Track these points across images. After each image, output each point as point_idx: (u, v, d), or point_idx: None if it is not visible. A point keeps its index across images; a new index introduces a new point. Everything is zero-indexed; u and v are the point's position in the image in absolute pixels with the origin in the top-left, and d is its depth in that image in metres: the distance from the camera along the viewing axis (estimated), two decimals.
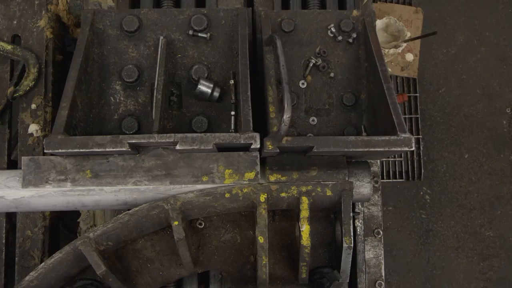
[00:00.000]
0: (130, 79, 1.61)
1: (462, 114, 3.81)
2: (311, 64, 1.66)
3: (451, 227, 3.68)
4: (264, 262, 1.48)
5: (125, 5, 1.89)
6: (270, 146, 1.38)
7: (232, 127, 1.58)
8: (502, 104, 3.83)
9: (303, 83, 1.67)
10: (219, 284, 1.79)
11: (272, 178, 1.51)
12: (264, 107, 1.59)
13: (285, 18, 1.68)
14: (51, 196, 1.46)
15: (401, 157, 3.39)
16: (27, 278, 1.43)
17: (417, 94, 3.40)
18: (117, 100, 1.63)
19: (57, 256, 1.44)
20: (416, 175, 3.40)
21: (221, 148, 1.46)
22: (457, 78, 3.88)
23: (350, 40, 1.68)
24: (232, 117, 1.58)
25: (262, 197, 1.48)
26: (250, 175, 1.46)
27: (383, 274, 2.09)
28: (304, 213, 1.48)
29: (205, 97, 1.59)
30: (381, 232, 2.12)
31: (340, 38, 1.68)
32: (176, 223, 1.44)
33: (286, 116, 1.27)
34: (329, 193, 1.50)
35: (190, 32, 1.63)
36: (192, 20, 1.63)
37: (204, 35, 1.64)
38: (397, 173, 3.38)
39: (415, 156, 3.40)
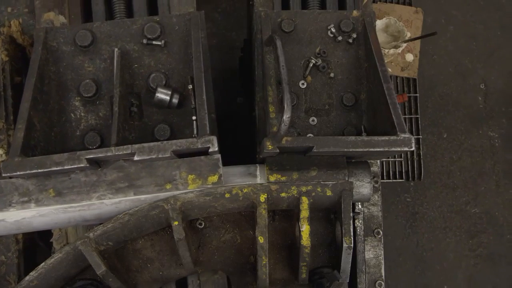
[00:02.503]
0: (89, 94, 1.60)
1: (437, 94, 3.81)
2: (311, 64, 1.66)
3: (436, 208, 3.70)
4: (264, 262, 1.48)
5: (78, 20, 1.86)
6: (270, 146, 1.38)
7: (195, 132, 1.56)
8: (476, 81, 3.83)
9: (303, 83, 1.67)
10: None
11: (272, 178, 1.51)
12: (264, 107, 1.59)
13: (285, 18, 1.68)
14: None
15: (401, 157, 3.39)
16: (27, 278, 1.43)
17: (417, 94, 3.40)
18: (78, 116, 1.62)
19: (57, 256, 1.44)
20: (416, 175, 3.40)
21: (184, 154, 1.46)
22: (428, 59, 3.87)
23: (350, 41, 1.68)
24: (194, 122, 1.56)
25: (262, 197, 1.48)
26: (213, 178, 1.46)
27: (383, 274, 2.09)
28: (304, 213, 1.48)
29: (164, 104, 1.57)
30: (381, 232, 2.12)
31: (340, 38, 1.68)
32: (176, 223, 1.44)
33: (286, 116, 1.27)
34: (329, 193, 1.50)
35: (144, 41, 1.62)
36: (145, 28, 1.62)
37: (159, 43, 1.63)
38: (397, 173, 3.38)
39: (415, 156, 3.40)
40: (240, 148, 3.54)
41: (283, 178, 1.51)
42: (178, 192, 1.45)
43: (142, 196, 1.45)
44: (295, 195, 1.50)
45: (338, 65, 1.69)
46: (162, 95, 1.56)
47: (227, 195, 1.49)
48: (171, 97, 1.57)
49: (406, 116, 3.39)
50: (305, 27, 1.69)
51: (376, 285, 2.07)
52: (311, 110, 1.66)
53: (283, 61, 1.37)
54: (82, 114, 1.62)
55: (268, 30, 1.64)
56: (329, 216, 1.63)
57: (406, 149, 1.40)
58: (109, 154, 1.36)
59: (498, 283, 3.62)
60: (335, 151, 1.42)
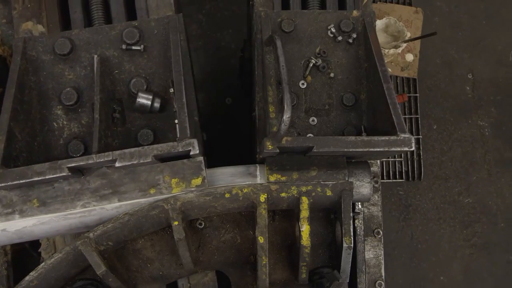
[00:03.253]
0: (70, 102, 1.59)
1: (425, 86, 3.80)
2: (311, 65, 1.66)
3: (430, 200, 3.70)
4: (264, 262, 1.48)
5: (56, 29, 1.84)
6: (270, 146, 1.38)
7: (178, 135, 1.55)
8: (463, 71, 3.82)
9: (303, 83, 1.67)
10: None
11: (272, 178, 1.51)
12: (264, 107, 1.59)
13: (285, 18, 1.68)
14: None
15: (401, 157, 3.39)
16: (27, 278, 1.43)
17: (417, 94, 3.40)
18: (61, 125, 1.61)
19: (57, 256, 1.44)
20: (416, 175, 3.40)
21: (167, 158, 1.46)
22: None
23: (350, 41, 1.68)
24: (177, 125, 1.55)
25: (262, 197, 1.48)
26: (197, 181, 1.47)
27: (383, 274, 2.09)
28: (304, 213, 1.48)
29: (146, 109, 1.57)
30: (381, 232, 2.12)
31: (340, 38, 1.68)
32: (176, 223, 1.44)
33: (286, 116, 1.27)
34: (329, 193, 1.50)
35: (124, 47, 1.62)
36: (124, 34, 1.62)
37: (138, 48, 1.63)
38: (397, 173, 3.38)
39: (415, 156, 3.40)
40: (230, 147, 3.58)
41: (283, 178, 1.51)
42: (162, 196, 1.46)
43: (126, 202, 1.45)
44: (295, 195, 1.50)
45: (338, 65, 1.69)
46: (144, 100, 1.56)
47: (227, 195, 1.49)
48: (153, 101, 1.56)
49: (406, 116, 3.39)
50: (305, 27, 1.69)
51: (376, 285, 2.07)
52: (311, 110, 1.66)
53: (283, 61, 1.37)
54: (65, 122, 1.61)
55: (268, 30, 1.64)
56: (329, 216, 1.63)
57: (406, 149, 1.40)
58: (90, 161, 1.36)
59: (494, 271, 3.63)
60: (335, 151, 1.42)
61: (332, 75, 1.68)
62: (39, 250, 2.01)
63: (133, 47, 1.63)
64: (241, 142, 3.55)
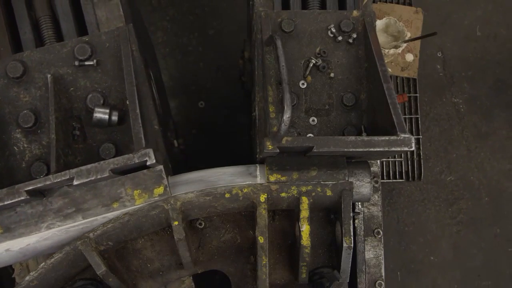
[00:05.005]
0: (28, 124, 1.57)
1: None
2: (311, 65, 1.66)
3: (412, 181, 3.71)
4: (264, 262, 1.48)
5: (8, 52, 1.80)
6: (270, 146, 1.38)
7: (134, 146, 1.54)
8: (432, 50, 3.82)
9: (303, 83, 1.67)
10: None
11: (272, 178, 1.51)
12: (264, 107, 1.59)
13: (285, 18, 1.68)
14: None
15: (401, 157, 3.39)
16: (27, 278, 1.44)
17: (417, 94, 3.40)
18: (21, 148, 1.59)
19: (57, 256, 1.44)
20: (416, 175, 3.40)
21: (128, 170, 1.46)
22: None
23: (350, 41, 1.68)
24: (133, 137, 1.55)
25: (262, 197, 1.48)
26: (159, 190, 1.47)
27: (383, 274, 2.09)
28: (304, 213, 1.48)
29: (104, 123, 1.55)
30: (381, 232, 2.12)
31: (340, 38, 1.68)
32: (176, 223, 1.44)
33: (286, 116, 1.27)
34: (329, 193, 1.50)
35: (76, 63, 1.61)
36: (76, 50, 1.60)
37: (91, 63, 1.61)
38: (397, 173, 3.38)
39: (415, 156, 3.40)
40: (208, 150, 3.60)
41: (283, 178, 1.51)
42: (126, 209, 1.46)
43: (91, 219, 1.46)
44: (295, 195, 1.50)
45: (338, 65, 1.69)
46: (100, 114, 1.54)
47: (227, 195, 1.49)
48: (110, 115, 1.54)
49: (406, 116, 3.39)
50: (305, 27, 1.69)
51: (376, 285, 2.07)
52: (311, 110, 1.66)
53: (283, 61, 1.37)
54: (25, 145, 1.59)
55: (268, 30, 1.64)
56: (329, 216, 1.63)
57: (406, 149, 1.40)
58: (47, 182, 1.35)
59: (483, 246, 3.65)
60: (335, 151, 1.42)
61: (332, 75, 1.68)
62: (13, 276, 2.00)
63: (86, 63, 1.61)
64: (218, 143, 3.59)
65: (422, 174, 3.39)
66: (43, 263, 1.44)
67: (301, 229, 1.47)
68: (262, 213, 1.47)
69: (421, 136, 3.41)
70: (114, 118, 1.55)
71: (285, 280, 1.62)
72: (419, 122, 3.40)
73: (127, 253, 1.57)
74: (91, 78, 1.62)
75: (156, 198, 1.47)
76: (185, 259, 1.51)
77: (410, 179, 3.40)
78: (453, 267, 3.63)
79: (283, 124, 1.28)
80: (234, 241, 1.62)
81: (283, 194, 1.50)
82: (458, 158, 3.74)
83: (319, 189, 1.50)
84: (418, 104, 3.40)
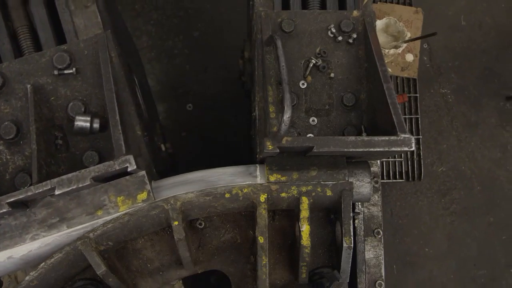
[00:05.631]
0: (10, 135, 1.57)
1: None
2: (311, 65, 1.66)
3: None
4: (264, 262, 1.48)
5: None
6: (270, 146, 1.38)
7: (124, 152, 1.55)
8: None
9: (303, 83, 1.67)
10: None
11: (272, 178, 1.51)
12: (264, 107, 1.59)
13: (285, 19, 1.68)
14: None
15: (401, 157, 3.39)
16: (27, 278, 1.44)
17: (417, 94, 3.40)
18: (4, 160, 1.59)
19: (57, 256, 1.44)
20: (416, 175, 3.40)
21: (111, 177, 1.46)
22: None
23: (350, 41, 1.68)
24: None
25: (262, 197, 1.48)
26: (143, 195, 1.47)
27: (383, 274, 2.09)
28: (304, 213, 1.48)
29: (86, 131, 1.55)
30: (381, 232, 2.12)
31: (340, 38, 1.68)
32: (176, 223, 1.44)
33: (286, 116, 1.27)
34: (329, 193, 1.50)
35: (56, 72, 1.60)
36: (54, 59, 1.60)
37: (70, 71, 1.61)
38: (397, 173, 3.38)
39: (415, 156, 3.40)
40: (198, 152, 3.59)
41: (283, 178, 1.51)
42: (110, 216, 1.46)
43: (76, 227, 1.45)
44: (295, 195, 1.50)
45: (338, 65, 1.69)
46: (81, 122, 1.53)
47: (227, 195, 1.49)
48: (91, 122, 1.54)
49: (406, 116, 3.39)
50: (305, 27, 1.69)
51: (376, 285, 2.07)
52: (311, 110, 1.66)
53: (283, 61, 1.37)
54: (8, 157, 1.59)
55: (268, 30, 1.64)
56: (329, 216, 1.63)
57: (406, 149, 1.40)
58: (29, 193, 1.35)
59: (477, 235, 3.66)
60: (335, 151, 1.42)
61: (332, 75, 1.68)
62: None
63: (66, 71, 1.60)
64: (207, 144, 3.59)
65: (422, 174, 3.39)
66: (43, 263, 1.44)
67: (301, 229, 1.47)
68: (262, 213, 1.47)
69: (421, 136, 3.41)
70: (96, 125, 1.55)
71: (285, 280, 1.62)
72: (419, 122, 3.40)
73: (127, 253, 1.57)
74: (71, 86, 1.62)
75: (140, 204, 1.47)
76: (185, 259, 1.51)
77: (410, 179, 3.40)
78: (448, 257, 3.63)
79: (283, 124, 1.28)
80: (234, 241, 1.62)
81: (283, 194, 1.50)
82: (448, 148, 3.75)
83: (319, 189, 1.50)
84: (418, 104, 3.40)
